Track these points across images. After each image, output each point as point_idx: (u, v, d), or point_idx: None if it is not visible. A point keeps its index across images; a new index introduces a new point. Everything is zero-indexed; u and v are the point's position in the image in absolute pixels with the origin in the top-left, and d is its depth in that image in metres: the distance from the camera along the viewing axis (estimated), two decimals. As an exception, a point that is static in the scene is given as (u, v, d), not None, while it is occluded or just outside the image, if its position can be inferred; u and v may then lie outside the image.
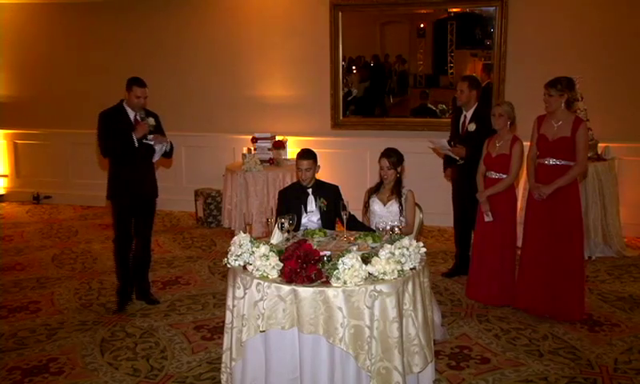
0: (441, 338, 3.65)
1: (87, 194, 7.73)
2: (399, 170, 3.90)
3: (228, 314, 2.99)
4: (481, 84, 4.99)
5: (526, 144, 4.18)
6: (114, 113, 4.18)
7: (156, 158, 4.28)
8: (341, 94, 6.61)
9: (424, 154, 6.08)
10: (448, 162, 4.96)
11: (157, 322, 4.10)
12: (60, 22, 7.53)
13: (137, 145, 4.14)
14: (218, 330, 3.91)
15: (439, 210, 5.74)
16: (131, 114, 4.20)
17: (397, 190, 3.88)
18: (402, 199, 3.85)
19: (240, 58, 6.86)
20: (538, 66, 5.84)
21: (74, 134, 7.66)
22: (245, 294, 2.83)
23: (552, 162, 3.96)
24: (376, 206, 3.92)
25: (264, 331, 2.79)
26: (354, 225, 3.76)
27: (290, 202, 3.85)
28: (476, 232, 4.40)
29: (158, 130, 4.26)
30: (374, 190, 3.99)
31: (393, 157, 3.87)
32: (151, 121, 4.18)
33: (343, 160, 6.66)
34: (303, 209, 3.85)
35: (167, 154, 4.36)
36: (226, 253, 3.01)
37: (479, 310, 4.20)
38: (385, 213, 3.89)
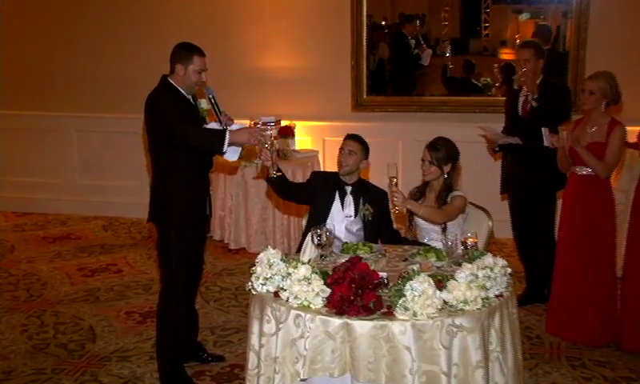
0: (526, 386, 3.63)
1: (23, 198, 7.64)
2: (447, 169, 3.89)
3: (252, 357, 2.94)
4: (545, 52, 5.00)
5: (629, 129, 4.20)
6: (175, 98, 3.70)
7: (233, 155, 3.80)
8: (365, 65, 6.61)
9: (475, 144, 6.04)
10: (505, 152, 4.94)
11: (141, 368, 4.05)
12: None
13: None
14: (225, 377, 3.88)
15: (498, 216, 5.68)
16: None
17: (443, 198, 3.87)
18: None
19: (235, 20, 6.83)
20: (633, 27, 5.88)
21: (5, 115, 7.53)
22: (278, 329, 2.79)
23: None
24: None
25: (305, 379, 2.75)
26: (398, 242, 3.82)
27: (320, 190, 3.96)
28: (559, 245, 4.40)
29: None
30: (418, 196, 4.01)
31: (440, 150, 3.88)
32: (203, 103, 3.85)
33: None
34: (339, 207, 3.92)
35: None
36: (250, 274, 2.98)
37: (569, 351, 4.19)
38: (432, 226, 3.91)
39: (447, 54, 6.55)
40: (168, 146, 3.65)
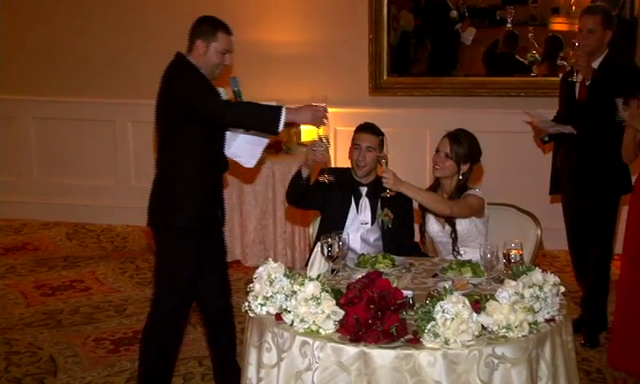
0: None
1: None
2: (464, 168, 3.95)
3: (249, 393, 2.97)
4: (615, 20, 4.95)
5: None
6: (200, 79, 3.78)
7: (250, 160, 3.99)
8: (385, 39, 6.66)
9: (520, 134, 6.06)
10: (557, 143, 4.95)
11: (115, 406, 4.11)
12: None
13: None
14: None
15: (549, 222, 5.68)
16: None
17: (455, 199, 3.93)
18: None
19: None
20: None
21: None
22: (280, 359, 2.81)
23: None
24: (432, 223, 4.00)
25: (313, 421, 2.77)
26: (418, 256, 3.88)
27: (333, 193, 3.98)
28: (623, 260, 4.38)
29: None
30: None
31: (462, 144, 3.94)
32: (222, 93, 3.87)
33: (389, 143, 6.64)
34: (354, 212, 3.97)
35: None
36: (246, 293, 2.99)
37: (638, 391, 4.23)
38: (445, 237, 3.96)
39: (508, 24, 6.52)
40: (185, 136, 3.71)
